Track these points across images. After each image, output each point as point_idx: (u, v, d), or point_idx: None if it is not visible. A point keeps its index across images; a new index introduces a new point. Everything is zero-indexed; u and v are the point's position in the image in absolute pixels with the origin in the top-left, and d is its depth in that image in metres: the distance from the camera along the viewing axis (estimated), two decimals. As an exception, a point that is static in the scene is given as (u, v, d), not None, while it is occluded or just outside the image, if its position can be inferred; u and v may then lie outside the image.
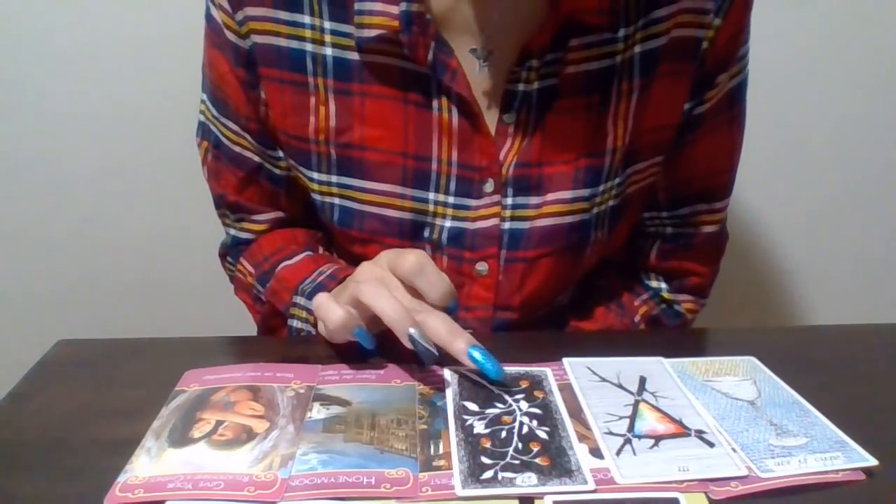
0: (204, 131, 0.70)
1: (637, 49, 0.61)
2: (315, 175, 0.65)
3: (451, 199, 0.64)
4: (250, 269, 0.71)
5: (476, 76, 0.61)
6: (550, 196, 0.63)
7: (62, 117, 1.03)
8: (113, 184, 1.08)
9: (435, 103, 0.61)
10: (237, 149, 0.68)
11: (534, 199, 0.64)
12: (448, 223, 0.65)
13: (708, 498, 0.43)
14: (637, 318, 0.73)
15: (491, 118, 0.62)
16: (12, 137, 1.05)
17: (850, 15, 1.04)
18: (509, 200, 0.63)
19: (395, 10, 0.58)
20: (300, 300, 0.65)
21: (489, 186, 0.63)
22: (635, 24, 0.61)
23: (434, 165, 0.63)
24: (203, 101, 0.69)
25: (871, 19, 1.04)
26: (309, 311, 0.64)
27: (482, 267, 0.66)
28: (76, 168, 1.06)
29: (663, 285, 0.74)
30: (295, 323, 0.66)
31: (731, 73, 0.66)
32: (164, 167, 1.06)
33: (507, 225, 0.64)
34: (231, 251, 0.74)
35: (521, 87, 0.61)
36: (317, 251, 0.71)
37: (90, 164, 1.06)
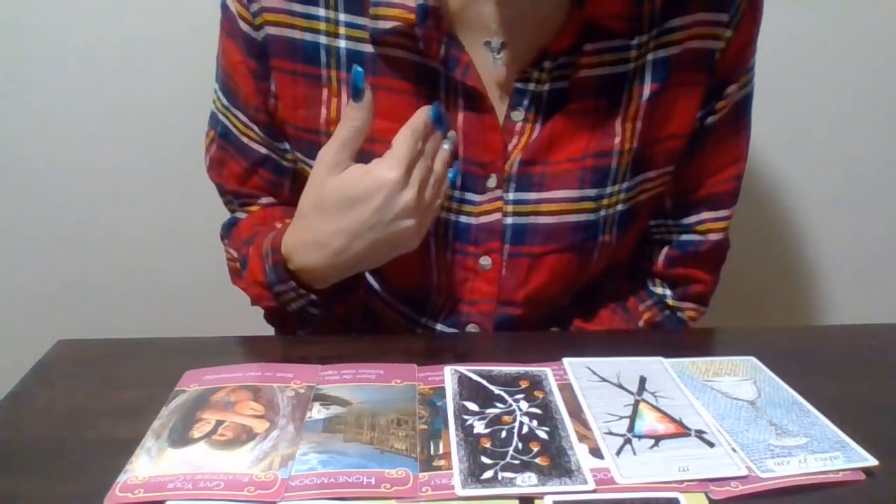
0: (214, 120, 0.70)
1: (650, 57, 0.62)
2: None
3: (455, 194, 0.64)
4: (234, 254, 0.70)
5: (487, 72, 0.61)
6: (555, 194, 0.63)
7: (62, 117, 1.03)
8: (112, 184, 1.08)
9: (442, 98, 0.61)
10: (244, 139, 0.68)
11: (534, 195, 0.64)
12: (452, 217, 0.65)
13: (708, 498, 0.43)
14: (641, 323, 0.73)
15: (498, 114, 0.62)
16: (12, 137, 1.04)
17: (850, 15, 1.04)
18: (511, 196, 0.64)
19: (411, 2, 0.58)
20: (269, 259, 0.62)
21: (492, 181, 0.63)
22: (649, 33, 0.61)
23: None
24: (215, 91, 0.69)
25: (871, 19, 1.04)
26: (280, 271, 0.61)
27: (486, 261, 0.66)
28: (76, 168, 1.06)
29: (668, 292, 0.74)
30: (281, 289, 0.63)
31: (740, 84, 0.66)
32: (164, 167, 1.06)
33: (509, 220, 0.64)
34: (225, 232, 0.73)
35: (531, 86, 0.61)
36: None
37: (89, 164, 1.06)
